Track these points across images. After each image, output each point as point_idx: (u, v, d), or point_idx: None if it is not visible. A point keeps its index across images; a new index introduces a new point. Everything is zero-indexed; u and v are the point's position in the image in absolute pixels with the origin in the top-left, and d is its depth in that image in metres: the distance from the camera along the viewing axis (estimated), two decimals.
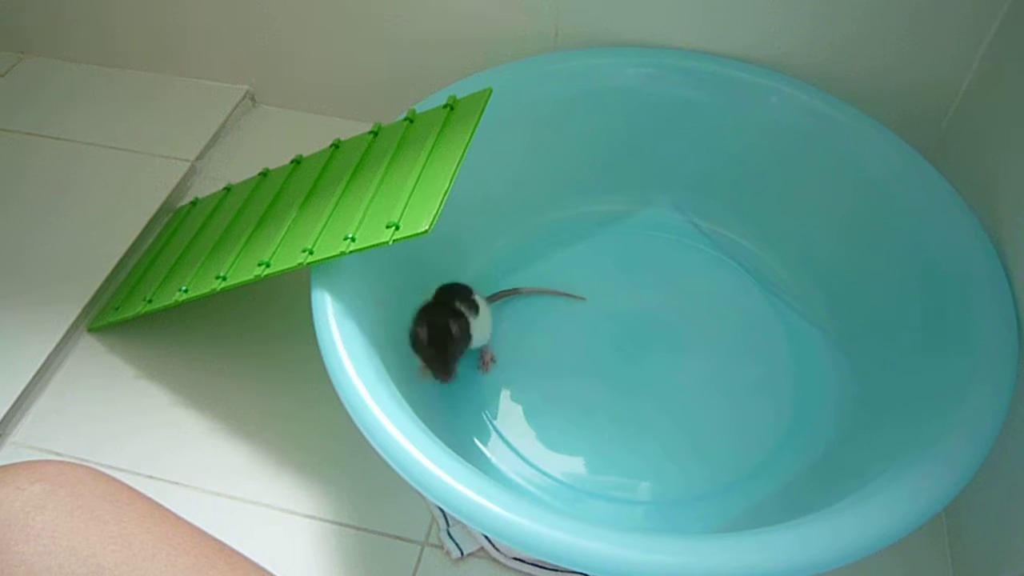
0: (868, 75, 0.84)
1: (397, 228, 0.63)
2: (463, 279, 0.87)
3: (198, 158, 1.03)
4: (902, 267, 0.75)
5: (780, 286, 0.87)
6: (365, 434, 0.59)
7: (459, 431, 0.76)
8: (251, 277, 0.70)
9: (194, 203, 0.94)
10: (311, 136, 0.89)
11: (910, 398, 0.68)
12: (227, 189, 0.90)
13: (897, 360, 0.74)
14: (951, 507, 0.56)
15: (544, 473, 0.74)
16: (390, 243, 0.63)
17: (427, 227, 0.61)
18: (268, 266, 0.70)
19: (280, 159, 0.86)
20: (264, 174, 0.87)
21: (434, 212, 0.62)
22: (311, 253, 0.67)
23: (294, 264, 0.67)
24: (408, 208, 0.65)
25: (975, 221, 0.70)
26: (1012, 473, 0.62)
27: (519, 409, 0.79)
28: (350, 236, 0.65)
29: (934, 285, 0.71)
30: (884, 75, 0.84)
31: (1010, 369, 0.61)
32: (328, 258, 0.66)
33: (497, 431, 0.77)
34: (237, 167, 1.01)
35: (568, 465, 0.75)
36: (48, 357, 0.83)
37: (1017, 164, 0.70)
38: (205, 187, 0.99)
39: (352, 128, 0.83)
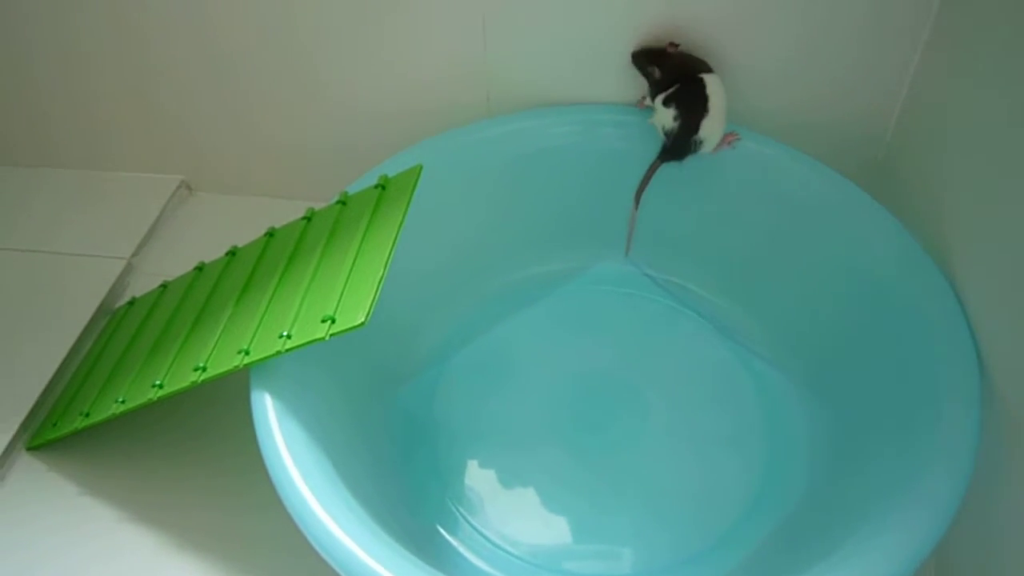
0: (798, 110, 0.84)
1: (333, 322, 0.61)
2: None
3: (134, 254, 1.00)
4: (855, 302, 0.74)
5: (740, 331, 0.85)
6: (318, 549, 0.55)
7: (422, 521, 0.73)
8: (187, 384, 0.67)
9: (131, 303, 0.91)
10: (250, 220, 0.87)
11: (881, 436, 0.66)
12: (163, 286, 0.87)
13: (865, 397, 0.72)
14: (939, 550, 0.54)
15: (516, 557, 0.71)
16: (326, 339, 0.60)
17: (363, 319, 0.59)
18: (204, 370, 0.67)
19: (219, 247, 0.83)
20: (200, 268, 0.84)
21: (369, 303, 0.60)
22: (247, 354, 0.64)
23: (231, 367, 0.65)
24: (343, 300, 0.62)
25: (930, 260, 0.69)
26: (996, 512, 0.60)
27: (484, 489, 0.76)
28: (286, 333, 0.63)
29: (889, 319, 0.70)
30: (815, 110, 0.84)
31: (974, 399, 0.60)
32: (265, 358, 0.63)
33: (463, 516, 0.74)
34: (176, 260, 0.97)
35: (539, 545, 0.72)
36: None
37: (956, 188, 0.69)
38: (143, 284, 0.95)
39: (292, 208, 0.81)
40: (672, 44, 0.78)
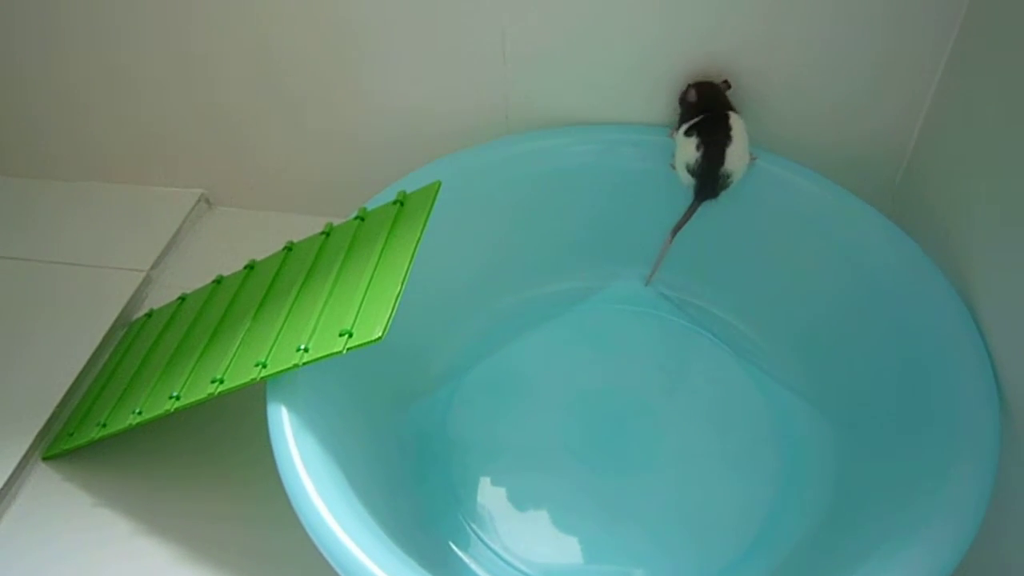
0: (816, 132, 0.84)
1: (350, 336, 0.61)
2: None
3: (153, 267, 1.00)
4: (872, 326, 0.74)
5: (756, 353, 0.84)
6: (331, 562, 0.55)
7: (435, 538, 0.73)
8: (204, 396, 0.67)
9: (149, 315, 0.92)
10: (269, 234, 0.88)
11: (893, 471, 0.65)
12: (181, 299, 0.88)
13: (880, 426, 0.71)
14: None
15: (528, 575, 0.71)
16: (344, 353, 0.60)
17: (380, 334, 0.59)
18: (222, 383, 0.67)
19: (238, 261, 0.84)
20: (218, 281, 0.85)
21: (387, 318, 0.60)
22: (264, 367, 0.65)
23: (247, 379, 0.65)
24: (361, 314, 0.62)
25: (948, 285, 0.68)
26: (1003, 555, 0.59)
27: (496, 507, 0.76)
28: (303, 347, 0.63)
29: (907, 345, 0.69)
30: (833, 131, 0.84)
31: (992, 436, 0.59)
32: (282, 371, 0.63)
33: (476, 534, 0.73)
34: (195, 273, 0.99)
35: (551, 564, 0.71)
36: (1, 490, 0.79)
37: (976, 212, 0.69)
38: (162, 296, 0.96)
39: (311, 223, 0.81)
40: (725, 83, 0.80)
